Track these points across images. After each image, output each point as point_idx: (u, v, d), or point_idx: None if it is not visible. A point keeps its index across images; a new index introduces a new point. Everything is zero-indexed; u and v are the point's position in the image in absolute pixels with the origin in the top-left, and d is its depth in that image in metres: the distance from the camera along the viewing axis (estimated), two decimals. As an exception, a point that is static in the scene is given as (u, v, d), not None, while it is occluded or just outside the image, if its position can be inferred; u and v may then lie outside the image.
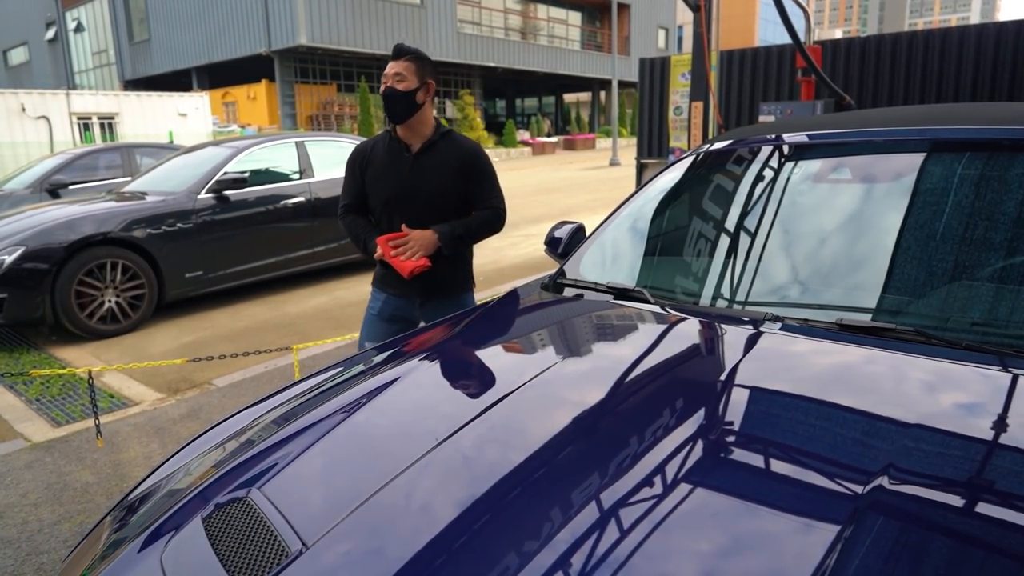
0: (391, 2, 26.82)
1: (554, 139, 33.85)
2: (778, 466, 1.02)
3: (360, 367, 1.64)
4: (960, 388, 1.21)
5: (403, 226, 2.48)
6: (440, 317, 2.55)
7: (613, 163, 23.54)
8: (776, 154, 2.13)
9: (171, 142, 13.56)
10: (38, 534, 2.73)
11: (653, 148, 8.19)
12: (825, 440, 1.08)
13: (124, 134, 18.52)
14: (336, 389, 1.49)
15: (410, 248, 2.45)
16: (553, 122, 40.08)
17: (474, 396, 1.35)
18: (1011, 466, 0.99)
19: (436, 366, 1.55)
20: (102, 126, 18.51)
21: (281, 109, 26.24)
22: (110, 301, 5.48)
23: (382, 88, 2.46)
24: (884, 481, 0.91)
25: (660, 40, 40.98)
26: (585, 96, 41.96)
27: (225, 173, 6.22)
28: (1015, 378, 1.19)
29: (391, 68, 2.44)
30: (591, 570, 0.83)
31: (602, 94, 39.67)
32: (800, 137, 2.09)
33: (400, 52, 2.46)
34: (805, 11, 5.52)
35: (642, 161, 8.33)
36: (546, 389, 1.31)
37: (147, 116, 19.14)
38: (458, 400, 1.37)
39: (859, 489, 0.91)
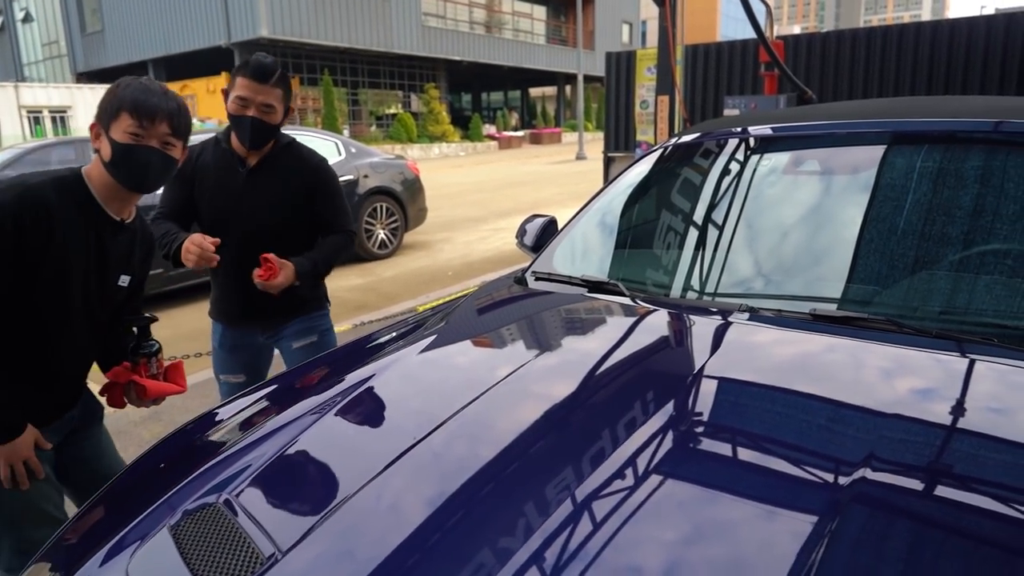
0: (354, -6, 26.47)
1: (520, 133, 33.86)
2: (752, 456, 1.02)
3: (329, 368, 1.60)
4: (927, 375, 1.23)
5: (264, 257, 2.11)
6: (293, 341, 2.35)
7: (579, 157, 23.63)
8: (746, 147, 2.14)
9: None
10: (-8, 544, 2.62)
11: (620, 142, 8.23)
12: (798, 429, 1.09)
13: (77, 128, 17.99)
14: (305, 391, 1.46)
15: (276, 289, 2.10)
16: (519, 116, 40.07)
17: (449, 394, 1.32)
18: (969, 449, 1.01)
19: (409, 365, 1.52)
20: (54, 120, 17.93)
21: (242, 103, 25.69)
22: (65, 301, 5.30)
23: (238, 111, 2.06)
24: (864, 471, 0.92)
25: (624, 35, 41.21)
26: (551, 90, 42.00)
27: (185, 168, 6.06)
28: (972, 363, 1.22)
29: (257, 94, 2.04)
30: (566, 563, 0.82)
31: (567, 88, 39.74)
32: (771, 130, 2.11)
33: (266, 73, 2.06)
34: (767, 6, 5.59)
35: (609, 155, 8.36)
36: (523, 384, 1.30)
37: (101, 109, 18.59)
38: (432, 399, 1.35)
39: (837, 479, 0.92)
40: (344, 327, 4.71)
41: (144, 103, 1.50)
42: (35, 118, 17.45)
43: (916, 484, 0.93)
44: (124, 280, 1.67)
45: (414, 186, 8.21)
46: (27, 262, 1.43)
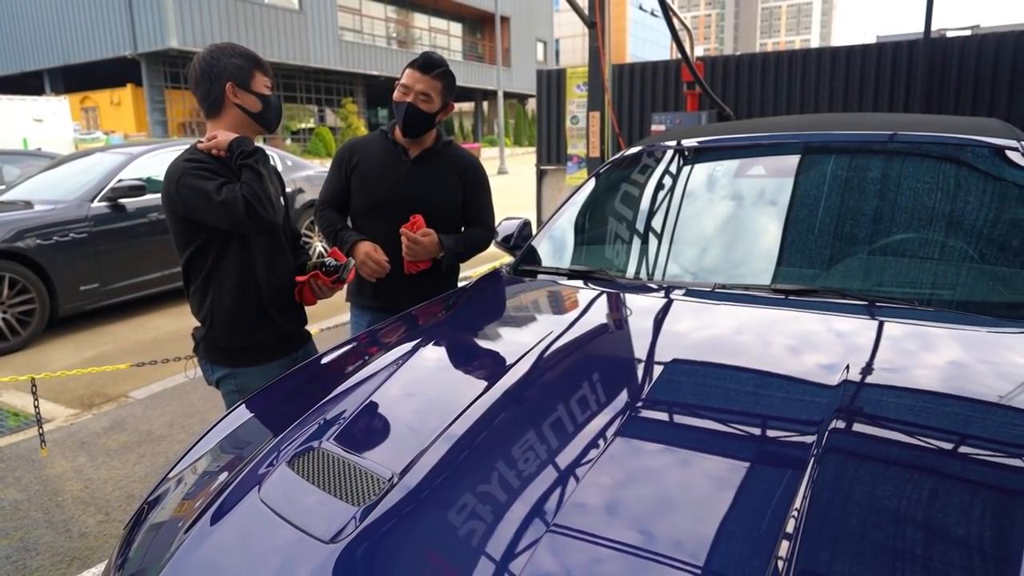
0: (269, 7, 25.99)
1: (440, 148, 33.93)
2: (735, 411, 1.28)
3: (394, 331, 1.83)
4: (869, 334, 1.55)
5: (417, 220, 2.27)
6: None
7: (501, 171, 24.04)
8: (705, 154, 2.47)
9: (39, 150, 12.47)
10: (-26, 553, 2.59)
11: (552, 155, 8.60)
12: (765, 371, 1.37)
13: (-32, 141, 16.75)
14: (378, 349, 1.66)
15: (418, 255, 2.28)
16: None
17: (504, 355, 1.57)
18: (875, 396, 1.27)
19: (454, 336, 1.74)
20: (-59, 132, 16.67)
21: (150, 115, 24.64)
22: (-4, 317, 5.10)
23: (400, 97, 2.26)
24: (831, 424, 1.15)
25: (539, 53, 42.25)
26: (468, 106, 42.44)
27: (120, 180, 5.94)
28: (881, 324, 1.56)
29: (418, 83, 2.24)
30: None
31: (484, 104, 40.30)
32: (730, 139, 2.45)
33: (430, 65, 2.25)
34: (689, 31, 6.08)
35: (541, 167, 8.72)
36: (552, 351, 1.54)
37: (-5, 121, 17.43)
38: (484, 364, 1.57)
39: (802, 438, 1.13)
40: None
41: (265, 64, 1.97)
42: (-82, 130, 16.19)
43: (878, 431, 1.17)
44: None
45: (350, 199, 8.27)
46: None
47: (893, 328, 1.54)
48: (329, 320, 5.53)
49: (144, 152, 6.41)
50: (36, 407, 3.17)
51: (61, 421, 3.90)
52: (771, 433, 1.18)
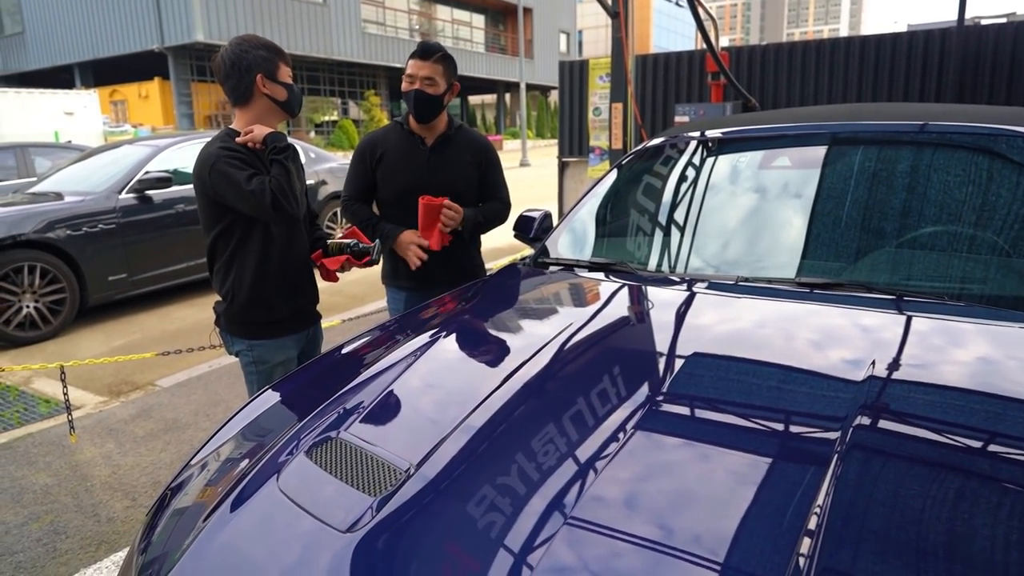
0: (293, 0, 26.15)
1: (463, 140, 33.87)
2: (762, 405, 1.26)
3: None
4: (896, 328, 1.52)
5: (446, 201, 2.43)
6: None
7: (523, 164, 23.98)
8: (729, 145, 2.43)
9: (69, 142, 12.69)
10: (6, 536, 2.66)
11: (574, 147, 8.54)
12: (789, 360, 1.35)
13: (1, 134, 17.13)
14: (392, 343, 1.66)
15: (456, 220, 2.43)
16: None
17: (524, 347, 1.55)
18: (901, 392, 1.23)
19: (473, 328, 1.74)
20: (-25, 125, 17.06)
21: (177, 109, 24.98)
22: (28, 307, 5.21)
23: (407, 87, 2.42)
24: (858, 421, 1.12)
25: (562, 44, 42.00)
26: (490, 98, 42.38)
27: (147, 172, 6.02)
28: (909, 318, 1.52)
29: (420, 70, 2.39)
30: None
31: (507, 96, 40.20)
32: (755, 130, 2.40)
33: (429, 52, 2.40)
34: (714, 20, 6.00)
35: (564, 160, 8.67)
36: (571, 343, 1.53)
37: (28, 115, 17.79)
38: (503, 356, 1.57)
39: (828, 435, 1.11)
40: (333, 322, 4.82)
41: (286, 54, 2.10)
42: (-46, 123, 16.57)
43: (903, 428, 1.15)
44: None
45: (373, 191, 8.31)
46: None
47: (921, 323, 1.51)
48: (349, 312, 5.58)
49: (170, 144, 6.49)
50: (65, 394, 3.24)
51: (90, 408, 3.98)
52: (794, 429, 1.16)
